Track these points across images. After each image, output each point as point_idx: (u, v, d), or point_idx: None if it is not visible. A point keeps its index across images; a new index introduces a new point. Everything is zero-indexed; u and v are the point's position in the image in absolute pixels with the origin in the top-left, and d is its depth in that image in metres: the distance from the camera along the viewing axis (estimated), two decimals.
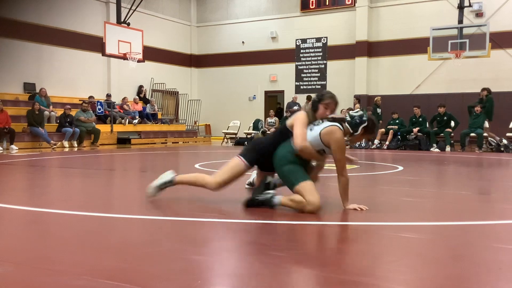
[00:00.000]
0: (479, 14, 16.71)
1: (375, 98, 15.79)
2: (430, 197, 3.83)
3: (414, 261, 2.49)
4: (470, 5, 15.26)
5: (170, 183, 4.10)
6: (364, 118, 3.79)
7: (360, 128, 3.77)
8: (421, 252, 2.66)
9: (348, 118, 3.78)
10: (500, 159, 10.72)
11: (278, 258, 2.46)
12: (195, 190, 4.17)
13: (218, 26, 22.24)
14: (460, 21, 14.76)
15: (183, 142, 18.22)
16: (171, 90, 21.09)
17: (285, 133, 3.91)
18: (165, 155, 11.40)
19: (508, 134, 13.89)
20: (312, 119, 3.85)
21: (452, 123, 13.90)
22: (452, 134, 13.84)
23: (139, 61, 15.45)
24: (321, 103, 3.87)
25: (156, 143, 16.82)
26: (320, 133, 3.70)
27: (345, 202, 3.75)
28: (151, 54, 19.13)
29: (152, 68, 20.16)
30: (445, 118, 13.93)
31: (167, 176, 4.12)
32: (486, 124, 13.79)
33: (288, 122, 3.90)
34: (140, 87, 19.58)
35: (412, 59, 17.66)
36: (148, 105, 18.50)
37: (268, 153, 3.88)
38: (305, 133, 3.74)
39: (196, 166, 7.84)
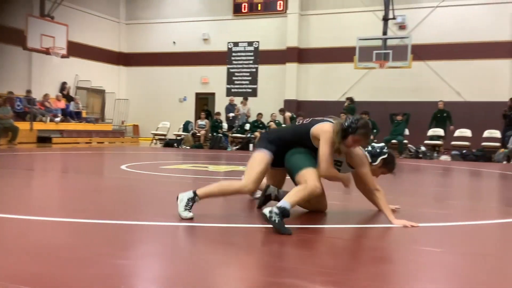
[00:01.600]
0: (402, 27, 17.58)
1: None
2: (355, 201, 3.95)
3: (337, 261, 2.53)
4: (394, 18, 16.02)
5: (192, 200, 3.44)
6: (385, 150, 3.67)
7: (379, 159, 3.64)
8: (344, 253, 2.71)
9: (369, 148, 3.67)
10: (418, 165, 11.32)
11: (207, 261, 2.40)
12: (123, 192, 4.01)
13: (149, 24, 21.77)
14: (385, 32, 15.45)
15: (109, 143, 17.62)
16: (97, 88, 20.35)
17: (300, 135, 3.58)
18: (89, 155, 10.96)
19: (426, 142, 14.70)
20: (336, 143, 3.40)
21: (374, 131, 14.53)
22: (375, 141, 14.43)
23: (63, 56, 14.79)
24: (352, 135, 3.39)
25: (80, 142, 16.14)
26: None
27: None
28: (76, 50, 18.36)
29: (77, 64, 19.34)
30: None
31: (186, 195, 3.45)
32: (407, 132, 14.57)
33: (314, 131, 3.48)
34: (64, 83, 18.71)
35: (340, 67, 18.23)
36: (72, 102, 17.72)
37: (283, 146, 3.60)
38: (331, 157, 3.40)
39: (123, 167, 7.59)
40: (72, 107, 17.48)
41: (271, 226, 3.03)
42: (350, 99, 16.02)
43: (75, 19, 18.78)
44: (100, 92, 20.55)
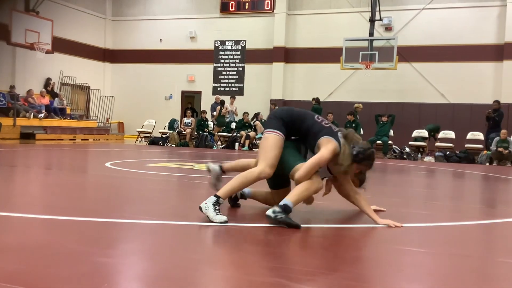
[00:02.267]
0: (388, 28, 17.71)
1: (355, 105, 15.65)
2: (336, 201, 3.97)
3: (321, 261, 2.54)
4: (380, 19, 16.13)
5: (218, 203, 3.32)
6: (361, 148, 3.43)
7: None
8: (328, 253, 2.72)
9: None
10: (402, 165, 11.42)
11: (191, 260, 2.39)
12: (107, 189, 3.97)
13: (135, 21, 21.62)
14: (371, 33, 15.55)
15: (94, 140, 17.47)
16: (82, 84, 20.15)
17: (310, 132, 3.48)
18: (73, 152, 10.85)
19: (410, 143, 14.83)
20: (344, 166, 3.39)
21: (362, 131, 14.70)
22: None
23: (47, 52, 14.63)
24: (358, 163, 3.42)
25: (64, 139, 15.97)
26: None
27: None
28: (61, 45, 18.17)
29: (62, 60, 19.14)
30: (354, 125, 14.66)
31: (210, 201, 3.33)
32: (391, 133, 14.70)
33: (321, 143, 3.41)
34: (48, 79, 18.50)
35: (326, 67, 18.30)
36: (56, 99, 17.52)
37: (293, 134, 3.56)
38: (313, 172, 3.35)
39: (107, 164, 7.53)
40: (56, 103, 17.28)
41: (258, 224, 3.03)
42: (316, 100, 16.20)
43: (60, 15, 18.57)
44: (85, 89, 20.36)
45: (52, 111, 16.86)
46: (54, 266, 2.18)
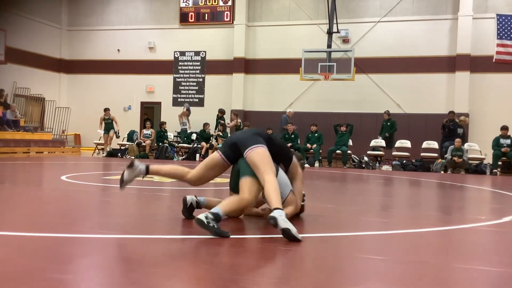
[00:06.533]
0: (345, 40, 18.09)
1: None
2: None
3: (282, 271, 2.53)
4: (338, 31, 16.46)
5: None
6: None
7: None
8: (288, 262, 2.72)
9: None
10: (361, 174, 11.62)
11: (152, 274, 2.34)
12: (62, 203, 3.85)
13: (92, 31, 21.24)
14: (329, 45, 15.84)
15: (49, 152, 16.95)
16: (37, 95, 19.57)
17: (283, 153, 3.96)
18: (27, 165, 10.49)
19: (369, 152, 15.13)
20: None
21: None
22: (321, 151, 14.73)
23: (0, 63, 14.13)
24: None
25: (17, 152, 15.42)
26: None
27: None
28: (14, 56, 17.64)
29: (16, 71, 18.55)
30: (316, 135, 14.89)
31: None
32: (350, 142, 14.97)
33: (295, 164, 4.05)
34: (1, 91, 17.87)
35: (286, 78, 18.50)
36: (8, 110, 16.92)
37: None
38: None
39: (63, 178, 7.31)
40: (9, 115, 16.69)
41: (210, 234, 3.01)
42: (220, 111, 17.21)
43: (13, 25, 18.04)
44: (40, 100, 19.78)
45: (5, 123, 16.26)
46: (6, 284, 2.08)
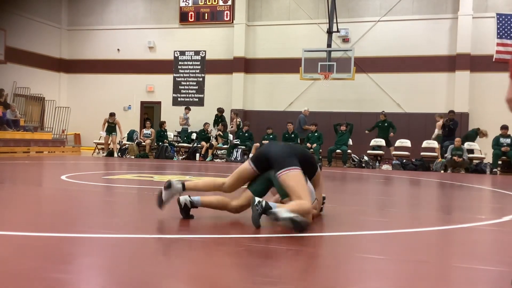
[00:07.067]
0: (345, 40, 18.08)
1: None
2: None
3: (281, 270, 2.53)
4: (338, 31, 16.45)
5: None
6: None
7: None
8: (288, 262, 2.72)
9: None
10: (361, 174, 11.62)
11: (150, 274, 2.34)
12: (62, 203, 3.84)
13: (92, 31, 21.22)
14: (329, 45, 15.83)
15: (49, 152, 16.95)
16: (37, 95, 19.56)
17: (311, 165, 4.02)
18: (27, 165, 10.49)
19: (369, 151, 15.13)
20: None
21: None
22: (321, 150, 14.73)
23: (0, 62, 14.13)
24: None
25: (17, 152, 15.42)
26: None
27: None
28: (14, 56, 17.64)
29: (16, 71, 18.54)
30: (316, 135, 14.89)
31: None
32: (350, 142, 14.97)
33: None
34: (1, 90, 17.86)
35: (286, 78, 18.49)
36: (8, 110, 16.91)
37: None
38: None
39: (63, 177, 7.31)
40: (9, 115, 16.68)
41: (216, 236, 2.99)
42: (219, 110, 17.16)
43: (13, 24, 18.05)
44: (39, 100, 19.78)
45: (5, 123, 16.26)
46: (7, 283, 2.07)
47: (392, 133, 15.30)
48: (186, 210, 3.85)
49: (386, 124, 15.43)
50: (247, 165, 3.95)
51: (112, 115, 16.72)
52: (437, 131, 15.02)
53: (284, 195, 3.74)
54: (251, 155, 14.00)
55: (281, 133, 15.41)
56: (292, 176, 3.63)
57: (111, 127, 16.66)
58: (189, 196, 3.86)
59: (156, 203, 3.87)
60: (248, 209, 3.88)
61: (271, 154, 3.79)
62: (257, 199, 3.48)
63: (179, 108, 18.86)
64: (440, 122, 14.94)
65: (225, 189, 4.02)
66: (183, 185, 3.89)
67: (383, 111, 15.84)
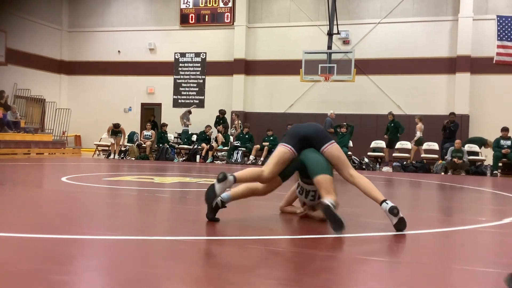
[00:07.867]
0: (346, 42, 18.10)
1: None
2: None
3: (283, 272, 2.53)
4: (338, 33, 16.47)
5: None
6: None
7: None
8: (290, 264, 2.72)
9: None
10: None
11: (151, 275, 2.33)
12: (63, 204, 3.84)
13: (92, 32, 21.26)
14: (329, 47, 15.84)
15: (49, 154, 16.95)
16: (37, 97, 19.58)
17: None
18: (28, 167, 10.49)
19: (369, 153, 15.13)
20: None
21: None
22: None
23: (0, 64, 14.16)
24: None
25: (18, 153, 15.43)
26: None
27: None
28: (15, 57, 17.66)
29: (16, 72, 18.57)
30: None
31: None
32: (350, 143, 14.95)
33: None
34: (1, 92, 17.88)
35: (286, 80, 18.51)
36: (8, 112, 16.92)
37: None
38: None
39: (63, 179, 7.31)
40: (9, 116, 16.69)
41: (217, 237, 2.98)
42: (221, 112, 17.32)
43: (14, 26, 18.07)
44: (40, 101, 19.79)
45: (5, 125, 16.27)
46: (9, 285, 2.07)
47: (399, 134, 15.34)
48: (216, 211, 3.68)
49: (392, 125, 15.43)
50: (284, 148, 3.83)
51: (117, 126, 16.70)
52: (418, 134, 14.95)
53: (321, 171, 3.77)
54: (262, 158, 14.00)
55: (281, 135, 15.40)
56: (336, 149, 3.92)
57: (115, 131, 16.68)
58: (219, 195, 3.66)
59: (205, 199, 3.60)
60: (272, 191, 3.97)
61: (309, 133, 3.90)
62: (328, 201, 3.52)
63: (180, 110, 18.83)
64: (420, 125, 14.95)
65: (266, 176, 3.76)
66: (235, 177, 3.62)
67: (391, 112, 15.84)
